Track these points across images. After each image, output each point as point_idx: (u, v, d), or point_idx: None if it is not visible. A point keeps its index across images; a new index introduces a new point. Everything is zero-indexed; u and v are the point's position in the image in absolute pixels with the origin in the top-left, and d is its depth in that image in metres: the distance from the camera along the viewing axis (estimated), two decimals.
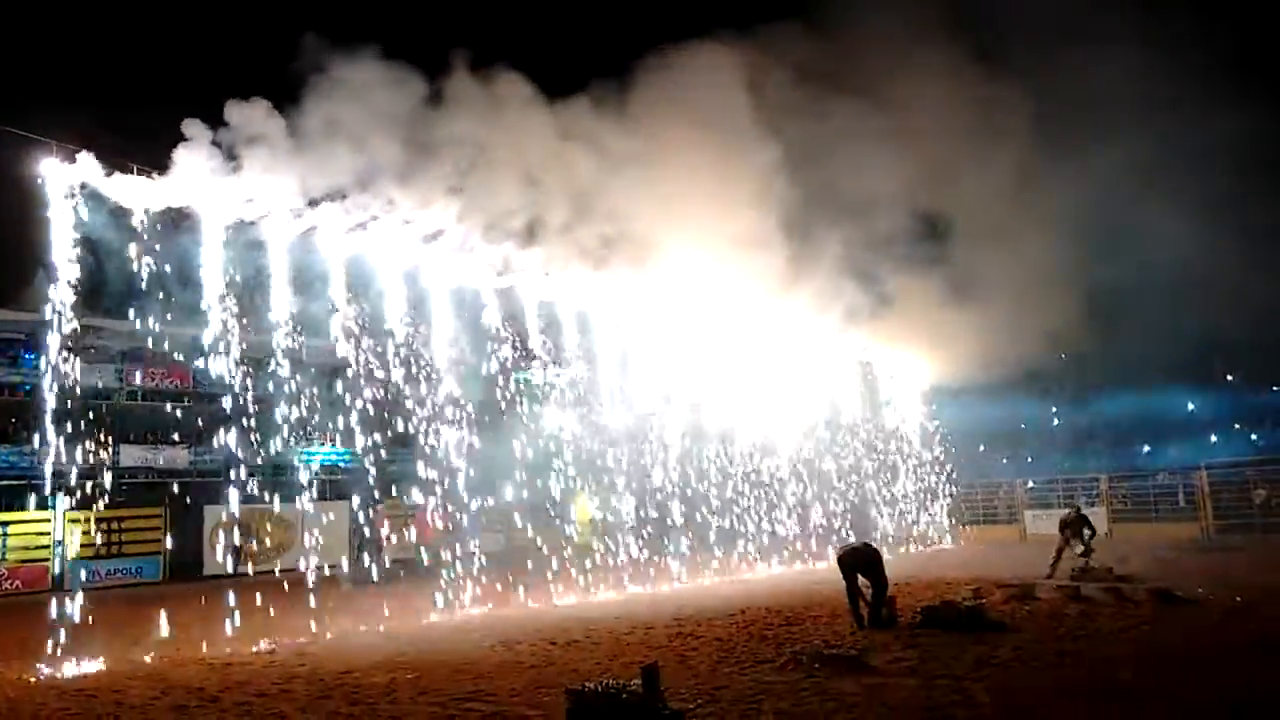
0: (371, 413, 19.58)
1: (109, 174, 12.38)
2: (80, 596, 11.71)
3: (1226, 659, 8.62)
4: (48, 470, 13.44)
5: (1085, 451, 39.27)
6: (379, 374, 20.57)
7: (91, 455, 23.74)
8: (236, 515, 22.93)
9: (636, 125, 18.20)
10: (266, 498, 20.84)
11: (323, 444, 26.83)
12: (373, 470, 19.91)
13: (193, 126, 12.92)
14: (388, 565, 20.53)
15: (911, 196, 23.48)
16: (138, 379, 25.78)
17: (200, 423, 24.99)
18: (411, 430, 18.81)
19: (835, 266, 22.61)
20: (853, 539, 20.44)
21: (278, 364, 15.66)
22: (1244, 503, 24.52)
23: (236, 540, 23.44)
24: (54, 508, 21.88)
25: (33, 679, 9.92)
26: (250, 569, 21.85)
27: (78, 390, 12.35)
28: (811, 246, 21.69)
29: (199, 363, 25.02)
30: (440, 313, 17.31)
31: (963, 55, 22.36)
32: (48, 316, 12.11)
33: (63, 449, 12.09)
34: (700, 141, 18.81)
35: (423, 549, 21.55)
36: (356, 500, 24.67)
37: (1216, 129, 21.69)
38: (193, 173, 12.88)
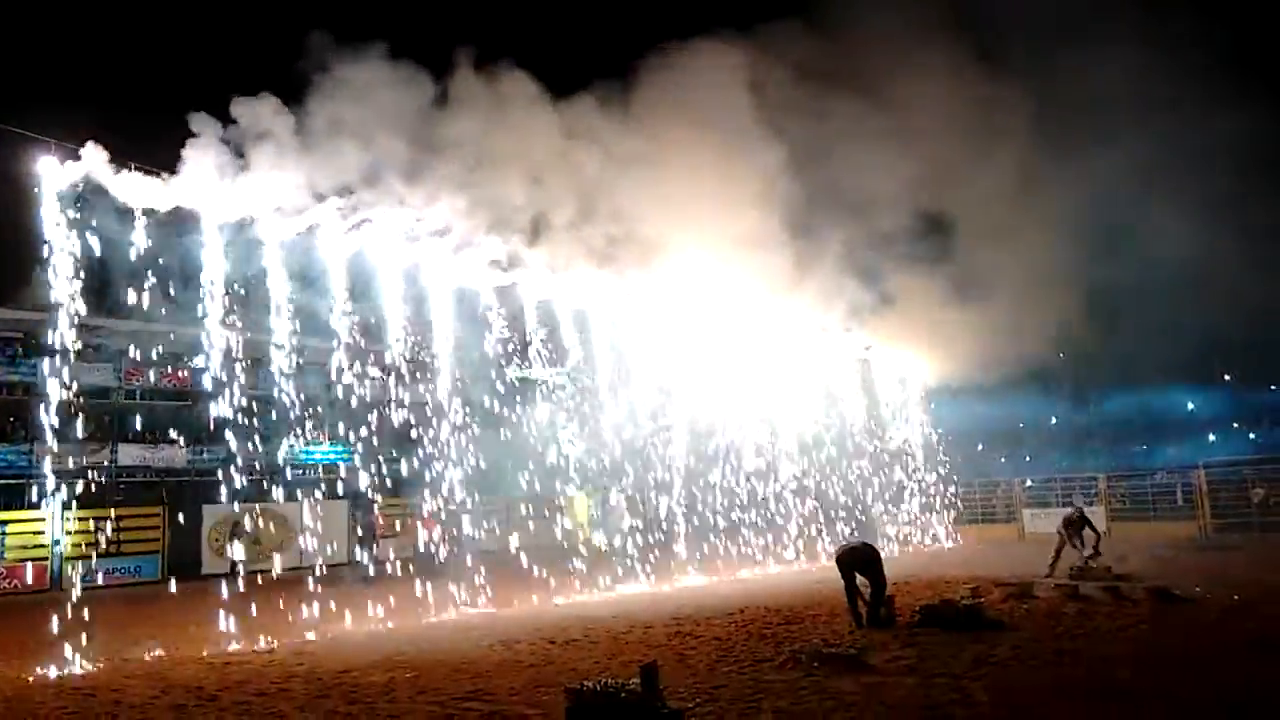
0: (371, 412, 19.61)
1: (117, 171, 12.36)
2: (78, 595, 11.72)
3: (1225, 658, 8.63)
4: (46, 469, 13.44)
5: (1084, 450, 39.35)
6: (379, 372, 20.61)
7: (90, 454, 23.84)
8: (235, 514, 22.96)
9: (639, 124, 18.23)
10: (265, 497, 20.88)
11: (321, 443, 26.84)
12: (372, 469, 19.90)
13: (201, 121, 12.92)
14: (386, 564, 20.51)
15: (913, 196, 23.52)
16: (136, 378, 25.78)
17: (199, 422, 24.98)
18: (411, 429, 18.82)
19: (836, 266, 22.64)
20: (852, 538, 20.44)
21: (278, 363, 15.67)
22: (1242, 502, 24.54)
23: (235, 539, 23.46)
24: (52, 506, 21.86)
25: (31, 678, 9.92)
26: (249, 568, 21.83)
27: (76, 389, 12.32)
28: (813, 246, 21.72)
29: (198, 361, 25.07)
30: (440, 312, 17.30)
31: (964, 55, 22.40)
32: (46, 315, 12.10)
33: (61, 448, 12.07)
34: (701, 140, 18.83)
35: (421, 548, 21.56)
36: (355, 499, 24.70)
37: (1215, 129, 21.72)
38: (201, 170, 12.87)
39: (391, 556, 21.22)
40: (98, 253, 12.40)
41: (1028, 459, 39.09)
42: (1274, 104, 23.12)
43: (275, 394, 16.70)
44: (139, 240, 12.76)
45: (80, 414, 12.30)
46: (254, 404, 16.08)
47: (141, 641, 11.96)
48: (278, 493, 21.07)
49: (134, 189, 12.57)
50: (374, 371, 22.61)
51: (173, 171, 12.86)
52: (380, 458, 20.07)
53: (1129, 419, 42.75)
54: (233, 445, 16.04)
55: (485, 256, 17.07)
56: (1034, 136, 23.34)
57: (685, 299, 20.26)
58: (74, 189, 12.02)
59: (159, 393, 26.44)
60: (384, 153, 14.55)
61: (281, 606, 13.83)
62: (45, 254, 11.85)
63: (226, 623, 12.35)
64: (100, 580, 20.56)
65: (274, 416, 18.15)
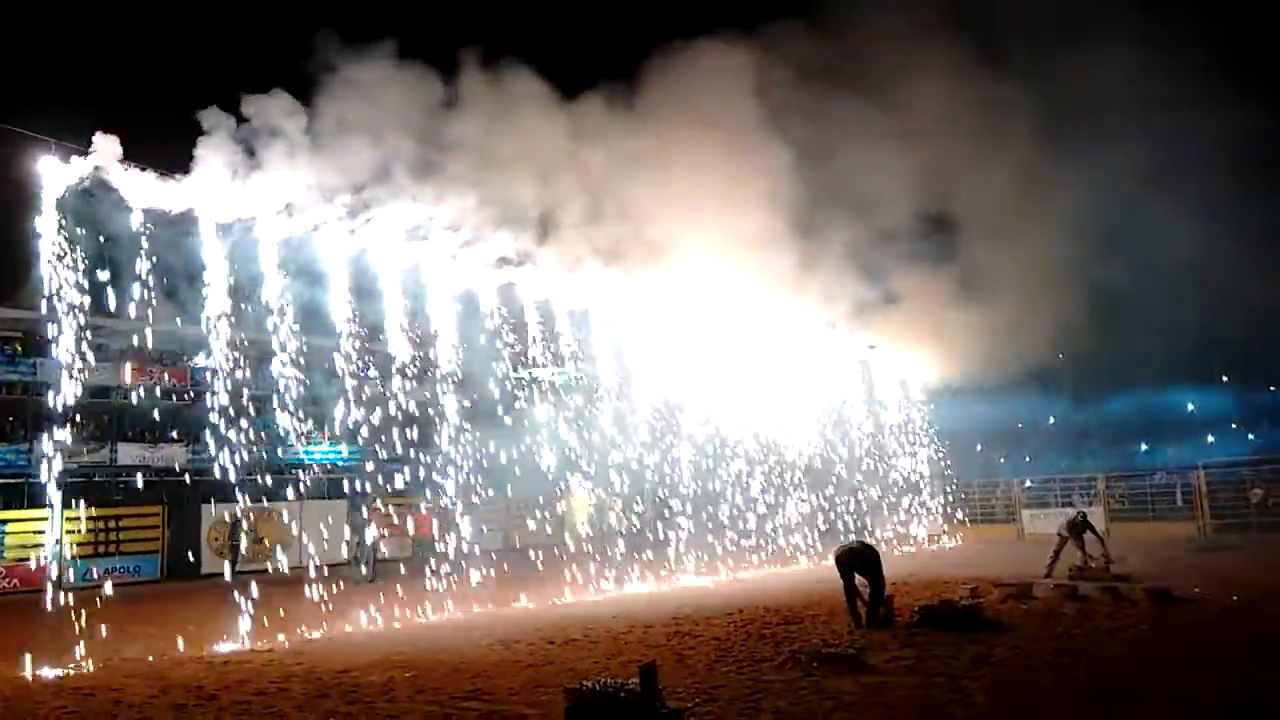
0: (372, 411, 19.57)
1: (127, 169, 12.36)
2: (77, 595, 11.70)
3: (1224, 658, 8.63)
4: (45, 468, 13.43)
5: (1083, 450, 39.34)
6: (380, 372, 20.58)
7: (89, 454, 23.84)
8: (235, 513, 22.94)
9: (643, 124, 18.25)
10: (265, 496, 20.84)
11: (321, 442, 26.83)
12: (372, 468, 19.90)
13: (213, 116, 12.93)
14: (385, 563, 20.52)
15: (916, 196, 23.57)
16: (136, 377, 25.75)
17: (199, 421, 24.98)
18: (413, 429, 18.82)
19: (840, 265, 22.64)
20: (852, 538, 20.44)
21: (279, 361, 15.66)
22: (1241, 502, 24.54)
23: (234, 538, 23.45)
24: (51, 506, 21.86)
25: (30, 677, 9.91)
26: (248, 567, 21.84)
27: (75, 388, 12.31)
28: (817, 245, 21.73)
29: (198, 360, 25.07)
30: (443, 310, 17.30)
31: (967, 55, 22.40)
32: (46, 315, 12.09)
33: (60, 447, 12.06)
34: (705, 140, 18.84)
35: (421, 547, 21.55)
36: (355, 498, 24.68)
37: (1215, 129, 21.71)
38: (212, 168, 12.87)
39: (391, 556, 21.23)
40: (99, 251, 12.40)
41: (1027, 459, 39.09)
42: (1274, 104, 23.13)
43: (276, 393, 16.70)
44: (141, 238, 12.76)
45: (80, 413, 12.25)
46: (254, 403, 16.08)
47: (141, 641, 11.97)
48: (277, 492, 21.03)
49: (141, 187, 12.57)
50: (375, 370, 22.60)
51: (176, 171, 12.87)
52: (380, 457, 20.06)
53: (1128, 419, 42.77)
54: (232, 444, 16.03)
55: (491, 255, 17.09)
56: (1036, 137, 23.39)
57: (690, 297, 20.25)
58: (80, 183, 12.01)
59: (159, 392, 26.41)
60: (392, 151, 14.59)
61: (281, 606, 13.83)
62: (45, 253, 11.84)
63: (225, 622, 12.36)
64: (99, 580, 20.55)
65: (274, 415, 18.15)
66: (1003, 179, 23.60)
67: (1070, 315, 26.26)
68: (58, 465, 12.06)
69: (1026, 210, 24.39)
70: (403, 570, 17.63)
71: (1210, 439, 40.62)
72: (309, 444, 25.86)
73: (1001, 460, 37.55)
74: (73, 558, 21.06)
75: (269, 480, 19.73)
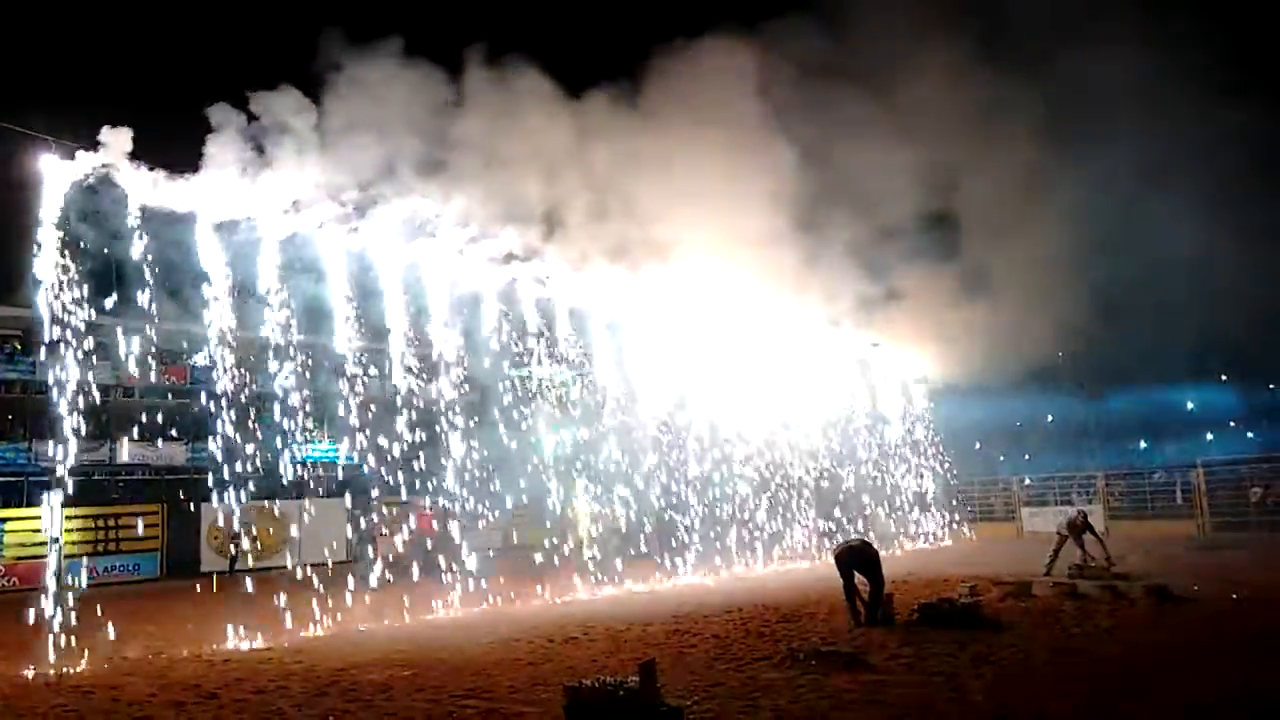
0: (373, 410, 19.55)
1: (137, 168, 12.36)
2: (78, 593, 11.70)
3: (1223, 656, 8.63)
4: (45, 467, 13.43)
5: (1082, 449, 39.39)
6: (380, 371, 20.55)
7: (89, 452, 23.82)
8: (234, 512, 22.91)
9: (645, 122, 18.26)
10: (265, 495, 20.83)
11: (321, 441, 26.84)
12: (372, 467, 19.88)
13: (221, 113, 12.93)
14: (385, 562, 20.50)
15: (919, 193, 23.59)
16: (136, 376, 25.75)
17: (198, 420, 24.97)
18: (414, 428, 18.78)
19: (842, 262, 22.65)
20: (851, 537, 20.41)
21: (280, 360, 15.65)
22: (1240, 501, 24.56)
23: (234, 537, 23.45)
24: (51, 504, 21.86)
25: (30, 675, 9.91)
26: (248, 566, 21.84)
27: (75, 387, 12.31)
28: (820, 242, 21.74)
29: (197, 359, 25.07)
30: (445, 308, 17.29)
31: (971, 52, 22.42)
32: (46, 313, 12.08)
33: (60, 445, 12.06)
34: (708, 137, 18.84)
35: (420, 546, 21.48)
36: (355, 497, 24.67)
37: (1215, 129, 21.72)
38: (220, 165, 12.87)
39: (391, 555, 21.21)
40: (99, 249, 12.39)
41: (1026, 457, 39.14)
42: (1274, 103, 23.15)
43: (276, 391, 16.69)
44: (140, 236, 12.74)
45: (79, 411, 12.25)
46: (255, 402, 16.07)
47: (140, 639, 11.98)
48: (278, 491, 21.04)
49: (146, 184, 12.57)
50: (375, 370, 22.58)
51: (179, 169, 12.86)
52: (380, 456, 20.04)
53: (1128, 418, 42.84)
54: (233, 443, 16.02)
55: (495, 252, 17.09)
56: (1039, 135, 23.40)
57: (693, 295, 20.23)
58: (85, 179, 12.00)
59: (159, 390, 26.41)
60: (398, 148, 14.60)
61: (280, 604, 13.83)
62: (46, 251, 11.83)
63: (225, 620, 12.36)
64: (99, 578, 20.58)
65: (275, 414, 18.13)
66: (1005, 177, 23.62)
67: (1071, 313, 26.30)
68: (63, 462, 12.02)
69: (1028, 208, 24.43)
70: (402, 569, 17.64)
71: (1210, 437, 40.69)
72: (310, 443, 25.87)
73: (1001, 458, 37.62)
74: (72, 556, 21.08)
75: (269, 479, 19.72)
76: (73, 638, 10.86)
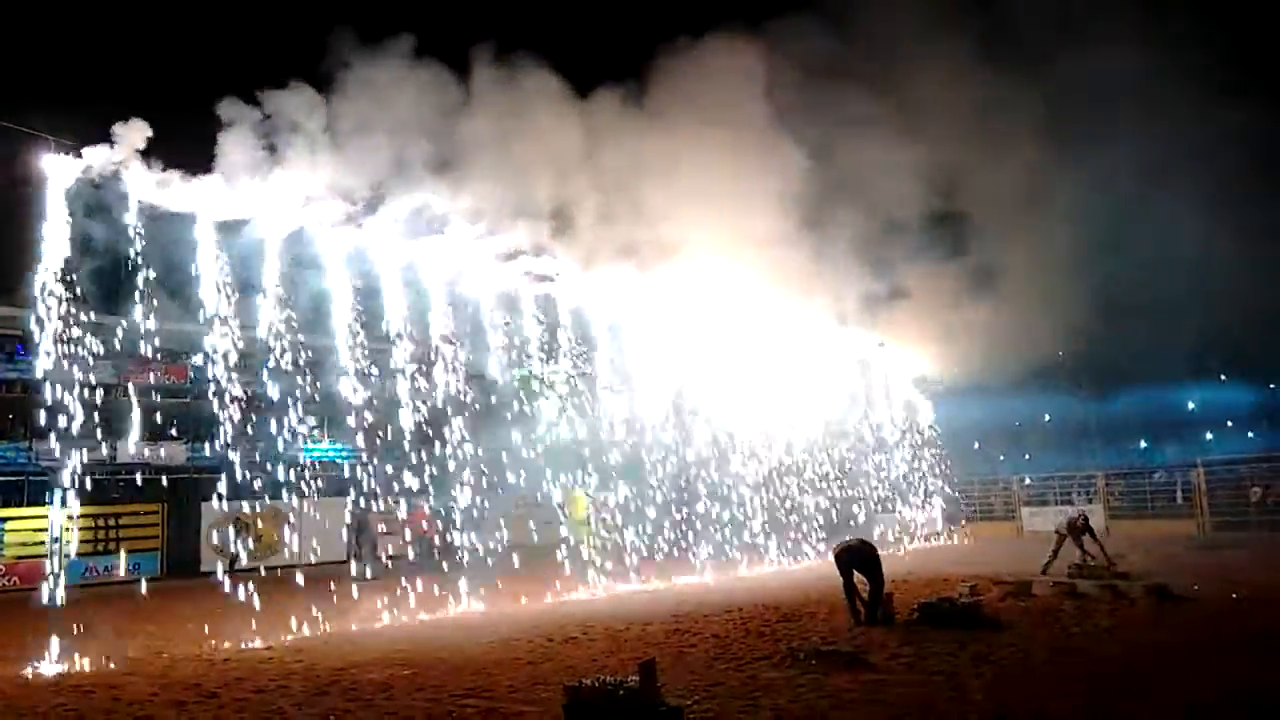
0: (373, 409, 19.55)
1: (148, 166, 12.37)
2: (78, 593, 11.72)
3: (1224, 656, 8.64)
4: (45, 466, 13.44)
5: (1082, 448, 39.39)
6: (382, 370, 20.50)
7: (89, 451, 23.79)
8: (235, 512, 22.96)
9: (651, 122, 18.26)
10: (264, 494, 20.80)
11: (321, 440, 26.83)
12: (372, 467, 19.89)
13: (233, 109, 12.91)
14: (385, 562, 20.52)
15: (923, 192, 23.57)
16: (137, 375, 25.75)
17: (199, 419, 24.98)
18: (414, 427, 18.78)
19: (847, 261, 22.64)
20: (851, 536, 20.40)
21: (280, 359, 15.65)
22: (1240, 500, 24.58)
23: (234, 536, 23.45)
24: (51, 503, 21.88)
25: (30, 675, 9.92)
26: (248, 565, 21.85)
27: (75, 386, 12.31)
28: (825, 240, 21.71)
29: (198, 358, 25.03)
30: (446, 306, 17.30)
31: (976, 51, 22.40)
32: (45, 312, 12.08)
33: (60, 445, 12.07)
34: (714, 137, 18.83)
35: (421, 546, 21.53)
36: (355, 497, 24.67)
37: (1216, 129, 21.71)
38: (232, 162, 12.88)
39: (390, 554, 21.24)
40: (100, 248, 12.40)
41: (1026, 457, 39.13)
42: (1274, 103, 23.14)
43: (276, 391, 16.68)
44: (141, 234, 12.74)
45: (79, 411, 12.25)
46: (254, 401, 16.06)
47: (140, 638, 11.97)
48: (277, 490, 21.04)
49: (150, 182, 12.56)
50: (376, 369, 22.58)
51: (185, 168, 12.86)
52: (381, 456, 20.06)
53: (1128, 417, 42.83)
54: (232, 442, 16.02)
55: (502, 249, 17.09)
56: (1043, 135, 23.40)
57: (700, 293, 20.22)
58: (87, 173, 12.00)
59: (159, 389, 26.40)
60: (406, 147, 14.61)
61: (280, 604, 13.84)
62: (47, 250, 11.84)
63: (225, 620, 12.37)
64: (99, 577, 20.58)
65: (274, 413, 18.13)
66: (1006, 176, 23.60)
67: (1071, 313, 26.30)
68: (57, 463, 12.03)
69: (1028, 208, 24.43)
70: (403, 568, 17.65)
71: (1210, 437, 40.68)
72: (310, 442, 25.87)
73: (1001, 458, 37.60)
74: (73, 555, 21.10)
75: (269, 478, 19.73)
76: (73, 637, 10.86)
